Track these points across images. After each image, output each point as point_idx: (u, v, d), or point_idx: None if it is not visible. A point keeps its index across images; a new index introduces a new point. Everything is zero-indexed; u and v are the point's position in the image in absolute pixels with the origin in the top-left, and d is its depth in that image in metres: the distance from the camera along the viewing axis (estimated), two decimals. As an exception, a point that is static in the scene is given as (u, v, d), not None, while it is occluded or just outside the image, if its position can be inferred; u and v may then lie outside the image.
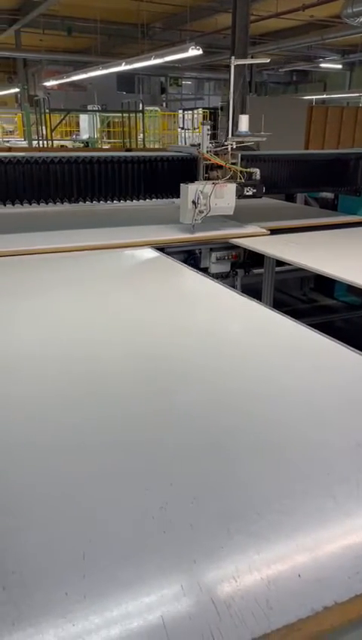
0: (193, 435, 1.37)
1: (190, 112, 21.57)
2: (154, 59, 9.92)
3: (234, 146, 3.56)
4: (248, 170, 3.62)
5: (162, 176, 3.72)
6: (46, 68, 20.80)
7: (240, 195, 3.59)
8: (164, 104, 24.01)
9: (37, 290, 2.52)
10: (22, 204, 3.43)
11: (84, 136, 16.78)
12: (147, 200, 3.77)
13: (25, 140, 15.21)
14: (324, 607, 0.90)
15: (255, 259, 3.92)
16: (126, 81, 22.69)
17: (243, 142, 3.58)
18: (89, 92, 20.80)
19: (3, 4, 14.99)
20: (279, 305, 3.99)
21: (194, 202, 3.39)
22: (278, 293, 4.45)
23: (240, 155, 3.64)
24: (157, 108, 19.91)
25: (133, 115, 14.54)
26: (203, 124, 3.63)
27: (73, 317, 2.21)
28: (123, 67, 11.71)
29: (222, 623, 0.86)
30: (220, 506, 1.11)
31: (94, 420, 1.43)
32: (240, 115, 3.67)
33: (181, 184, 3.46)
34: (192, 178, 3.57)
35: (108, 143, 16.59)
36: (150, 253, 3.21)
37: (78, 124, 17.63)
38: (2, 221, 3.84)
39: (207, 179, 3.56)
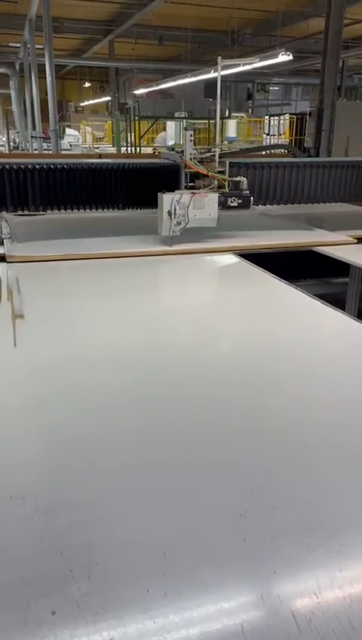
0: (276, 446, 1.36)
1: (276, 117, 21.36)
2: (243, 66, 9.92)
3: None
4: (234, 179, 3.38)
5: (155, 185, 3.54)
6: (136, 76, 21.40)
7: (223, 205, 3.37)
8: (250, 110, 23.93)
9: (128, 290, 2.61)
10: (79, 210, 3.76)
11: (170, 142, 17.10)
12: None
13: (114, 147, 15.72)
14: None
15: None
16: (212, 88, 22.85)
17: (232, 147, 3.43)
18: (176, 99, 21.17)
19: (99, 15, 15.62)
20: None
21: (170, 212, 3.17)
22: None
23: (228, 162, 3.43)
24: (243, 114, 19.91)
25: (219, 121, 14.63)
26: (186, 129, 3.41)
27: (163, 319, 2.26)
28: (211, 74, 11.81)
29: (302, 636, 0.85)
30: (301, 519, 1.09)
31: (181, 425, 1.45)
32: (228, 121, 3.58)
33: (158, 193, 3.25)
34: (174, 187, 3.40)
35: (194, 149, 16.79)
36: (231, 259, 3.22)
37: (165, 131, 17.99)
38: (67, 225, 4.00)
39: (192, 188, 3.35)
